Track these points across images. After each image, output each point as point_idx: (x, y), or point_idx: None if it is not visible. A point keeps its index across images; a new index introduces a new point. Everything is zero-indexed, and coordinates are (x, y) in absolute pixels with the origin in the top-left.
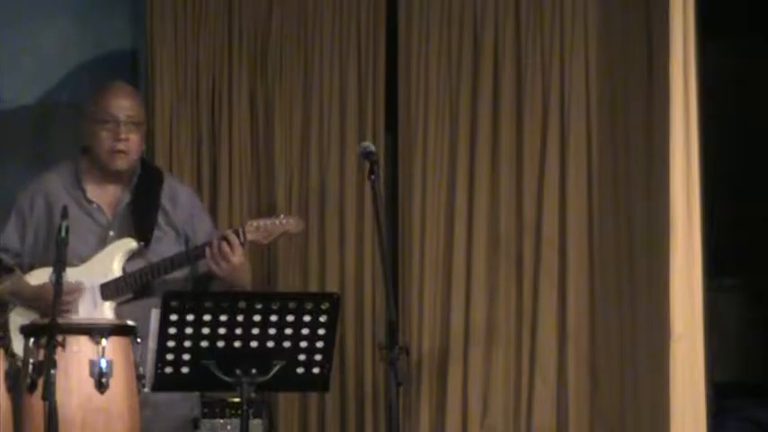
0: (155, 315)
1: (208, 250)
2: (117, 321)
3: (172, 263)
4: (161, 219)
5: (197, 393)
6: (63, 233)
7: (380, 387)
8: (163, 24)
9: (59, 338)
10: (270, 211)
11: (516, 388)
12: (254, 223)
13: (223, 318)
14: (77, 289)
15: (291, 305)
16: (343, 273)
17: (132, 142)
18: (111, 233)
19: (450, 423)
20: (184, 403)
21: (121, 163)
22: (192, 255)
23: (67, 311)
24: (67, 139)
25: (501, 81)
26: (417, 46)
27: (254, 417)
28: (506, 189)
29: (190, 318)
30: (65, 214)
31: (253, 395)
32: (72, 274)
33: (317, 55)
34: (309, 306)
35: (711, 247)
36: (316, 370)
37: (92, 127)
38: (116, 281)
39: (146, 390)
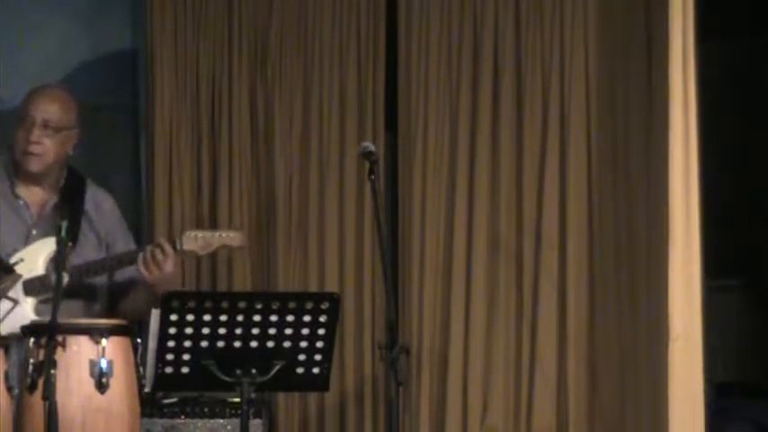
0: (155, 315)
1: (140, 255)
2: (117, 321)
3: (102, 266)
4: (84, 224)
5: None
6: (63, 233)
7: (380, 387)
8: (163, 24)
9: (59, 338)
10: (269, 211)
11: (516, 388)
12: (192, 234)
13: (223, 318)
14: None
15: (291, 305)
16: (343, 273)
17: (45, 146)
18: (35, 232)
19: (450, 423)
20: None
21: (33, 165)
22: (124, 259)
23: None
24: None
25: (501, 81)
26: (417, 46)
27: (254, 417)
28: (506, 189)
29: (190, 318)
30: (64, 215)
31: (253, 395)
32: None
33: (317, 55)
34: (309, 306)
35: (711, 247)
36: (315, 370)
37: (15, 124)
38: (40, 278)
39: (146, 390)
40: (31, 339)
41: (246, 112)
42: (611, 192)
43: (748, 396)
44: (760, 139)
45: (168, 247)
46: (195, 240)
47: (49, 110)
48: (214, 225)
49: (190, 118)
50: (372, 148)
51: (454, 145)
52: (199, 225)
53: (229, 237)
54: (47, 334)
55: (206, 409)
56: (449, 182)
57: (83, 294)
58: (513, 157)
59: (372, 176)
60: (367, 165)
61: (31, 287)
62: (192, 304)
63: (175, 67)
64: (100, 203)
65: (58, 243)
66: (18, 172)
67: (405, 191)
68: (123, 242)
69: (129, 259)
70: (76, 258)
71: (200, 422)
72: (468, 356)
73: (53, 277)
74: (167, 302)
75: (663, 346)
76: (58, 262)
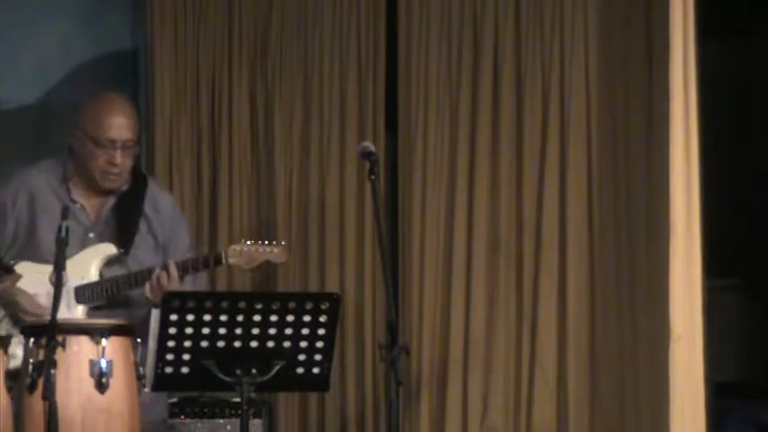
0: (155, 315)
1: (149, 280)
2: (117, 321)
3: (136, 279)
4: (142, 226)
5: (164, 396)
6: (63, 233)
7: (380, 387)
8: (163, 24)
9: (59, 338)
10: (269, 211)
11: (516, 388)
12: (237, 248)
13: (223, 318)
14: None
15: (291, 305)
16: (343, 273)
17: (125, 165)
18: (92, 235)
19: (450, 423)
20: (153, 407)
21: (113, 184)
22: (140, 277)
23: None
24: (67, 139)
25: (501, 81)
26: (417, 46)
27: (254, 417)
28: (506, 189)
29: (190, 318)
30: (65, 215)
31: (253, 395)
32: (49, 271)
33: (317, 55)
34: (309, 306)
35: (711, 247)
36: (316, 370)
37: (86, 142)
38: (92, 285)
39: (146, 390)
40: (31, 339)
41: (246, 112)
42: (612, 192)
43: (748, 396)
44: (760, 139)
45: (174, 271)
46: (240, 255)
47: (129, 127)
48: (214, 225)
49: (190, 118)
50: (372, 148)
51: (454, 145)
52: (199, 225)
53: (273, 252)
54: (47, 334)
55: (206, 409)
56: (449, 182)
57: (127, 300)
58: (513, 157)
59: (372, 176)
60: (367, 165)
61: (82, 294)
62: (191, 304)
63: (175, 67)
64: (157, 203)
65: (58, 243)
66: (81, 176)
67: (405, 191)
68: (182, 245)
69: (143, 278)
70: (133, 262)
71: (200, 422)
72: (468, 356)
73: (105, 284)
74: (167, 302)
75: (663, 346)
76: (57, 262)
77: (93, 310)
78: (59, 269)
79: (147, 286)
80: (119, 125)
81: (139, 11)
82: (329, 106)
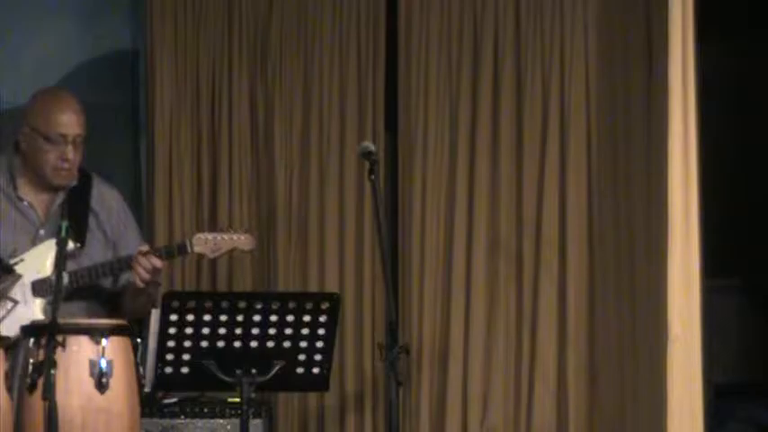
0: (155, 315)
1: (136, 261)
2: (117, 321)
3: (111, 268)
4: (91, 222)
5: None
6: (63, 233)
7: (380, 387)
8: (163, 24)
9: (59, 338)
10: (269, 211)
11: (516, 388)
12: (203, 236)
13: (223, 318)
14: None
15: (291, 305)
16: (343, 273)
17: (76, 159)
18: (42, 232)
19: (450, 423)
20: None
21: (65, 180)
22: (116, 266)
23: None
24: None
25: (501, 81)
26: (417, 46)
27: (254, 417)
28: (506, 189)
29: (190, 318)
30: (64, 214)
31: (253, 395)
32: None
33: (316, 55)
34: (309, 306)
35: (711, 247)
36: (315, 370)
37: (36, 138)
38: (48, 279)
39: (146, 390)
40: (31, 339)
41: (246, 112)
42: (612, 192)
43: (748, 396)
44: (760, 139)
45: (156, 260)
46: (206, 243)
47: (78, 123)
48: (214, 225)
49: (190, 118)
50: (372, 148)
51: (454, 145)
52: (199, 225)
53: (240, 240)
54: (47, 334)
55: (206, 409)
56: (449, 182)
57: (86, 295)
58: (513, 158)
59: (372, 176)
60: (367, 165)
61: (40, 288)
62: (191, 304)
63: (175, 67)
64: (107, 200)
65: (59, 243)
66: (29, 173)
67: (405, 191)
68: (133, 239)
69: (121, 266)
70: (85, 257)
71: (200, 422)
72: (469, 356)
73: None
74: (167, 302)
75: (662, 346)
76: (58, 262)
77: (51, 305)
78: (60, 269)
79: (137, 271)
80: (69, 120)
81: (139, 11)
82: (329, 106)
